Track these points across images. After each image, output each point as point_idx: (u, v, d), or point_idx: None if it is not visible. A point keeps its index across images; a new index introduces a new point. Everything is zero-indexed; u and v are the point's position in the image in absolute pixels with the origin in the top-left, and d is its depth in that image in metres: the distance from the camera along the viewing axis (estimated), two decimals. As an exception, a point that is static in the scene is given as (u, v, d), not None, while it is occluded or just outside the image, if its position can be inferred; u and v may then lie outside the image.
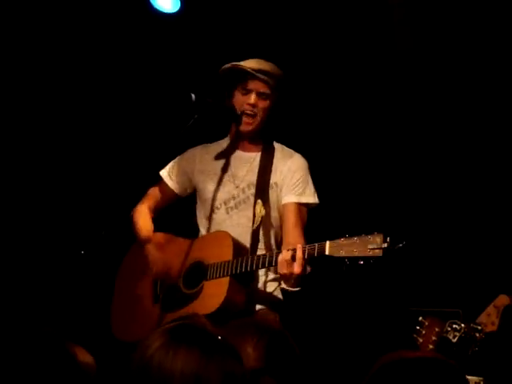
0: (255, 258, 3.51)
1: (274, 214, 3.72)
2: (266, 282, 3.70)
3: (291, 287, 3.53)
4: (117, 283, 3.93)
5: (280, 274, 3.45)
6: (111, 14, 4.76)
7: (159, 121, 4.54)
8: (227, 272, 3.53)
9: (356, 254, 3.21)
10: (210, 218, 3.77)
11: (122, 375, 1.77)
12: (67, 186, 4.79)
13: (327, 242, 3.30)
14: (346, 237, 3.26)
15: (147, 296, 3.78)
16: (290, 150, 3.83)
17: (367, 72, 4.75)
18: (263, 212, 3.65)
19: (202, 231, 3.81)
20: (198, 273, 3.64)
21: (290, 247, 3.44)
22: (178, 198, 3.94)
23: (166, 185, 3.91)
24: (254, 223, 3.65)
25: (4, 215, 4.65)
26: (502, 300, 3.27)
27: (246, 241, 3.65)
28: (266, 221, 3.69)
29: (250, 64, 3.69)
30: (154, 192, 3.94)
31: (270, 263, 3.46)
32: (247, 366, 2.06)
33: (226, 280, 3.52)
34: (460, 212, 4.63)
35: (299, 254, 3.36)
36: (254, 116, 3.71)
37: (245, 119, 3.72)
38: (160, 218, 3.96)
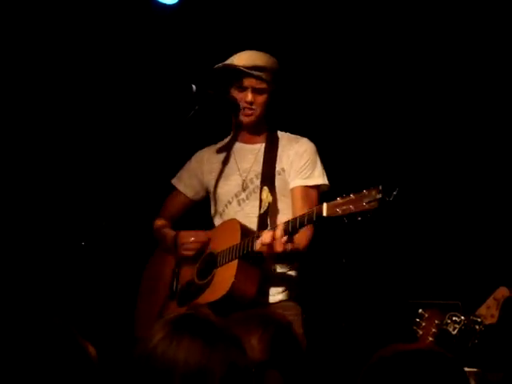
0: (255, 236, 3.51)
1: (284, 199, 3.71)
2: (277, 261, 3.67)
3: (281, 269, 3.57)
4: (141, 285, 3.94)
5: (264, 254, 3.47)
6: (111, 6, 4.75)
7: (160, 112, 4.53)
8: (235, 255, 3.53)
9: (353, 210, 3.18)
10: (223, 213, 3.79)
11: (125, 366, 1.77)
12: (68, 177, 4.78)
13: (324, 204, 3.28)
14: (342, 196, 3.24)
15: (165, 294, 3.78)
16: (296, 135, 3.82)
17: (367, 60, 4.75)
18: (270, 198, 3.64)
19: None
20: (211, 263, 3.65)
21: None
22: (193, 203, 3.95)
23: (179, 191, 3.93)
24: (260, 208, 3.64)
25: (5, 207, 4.64)
26: (502, 292, 3.27)
27: (255, 228, 3.64)
28: (273, 207, 3.67)
29: (242, 60, 3.67)
30: (169, 201, 3.97)
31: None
32: (252, 359, 2.06)
33: (234, 263, 3.53)
34: (460, 204, 4.63)
35: (278, 233, 3.37)
36: (253, 111, 3.71)
37: (244, 113, 3.72)
38: (179, 221, 3.98)
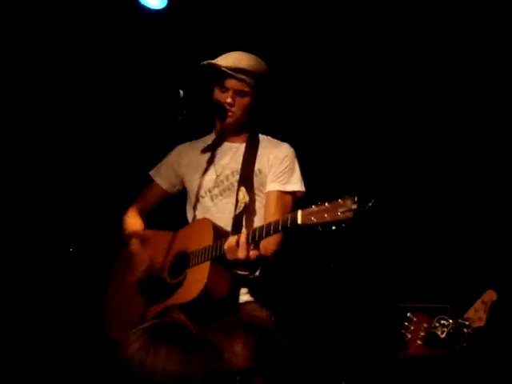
0: (223, 239, 3.49)
1: (260, 200, 3.71)
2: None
3: (242, 272, 3.55)
4: (109, 286, 3.92)
5: (228, 260, 3.46)
6: (98, 11, 4.75)
7: (147, 117, 4.53)
8: (207, 257, 3.52)
9: (328, 219, 3.15)
10: (195, 208, 3.78)
11: (104, 375, 1.77)
12: (55, 183, 4.77)
13: (299, 211, 3.25)
14: (317, 204, 3.21)
15: (135, 293, 3.76)
16: (277, 140, 3.80)
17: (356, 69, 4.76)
18: (247, 198, 3.63)
19: (190, 222, 3.82)
20: (182, 262, 3.63)
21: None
22: (168, 195, 3.94)
23: (155, 183, 3.92)
24: (236, 209, 3.63)
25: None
26: (490, 295, 3.29)
27: (230, 227, 3.63)
28: (249, 207, 3.66)
29: (226, 61, 3.65)
30: (145, 192, 3.95)
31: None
32: (237, 366, 2.05)
33: (206, 264, 3.52)
34: (448, 208, 4.65)
35: (242, 238, 3.38)
36: (232, 113, 3.69)
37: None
38: (153, 217, 3.97)
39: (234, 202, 3.65)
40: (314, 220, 3.19)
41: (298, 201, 3.69)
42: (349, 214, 3.12)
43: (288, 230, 3.35)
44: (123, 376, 1.72)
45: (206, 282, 3.47)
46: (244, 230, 3.47)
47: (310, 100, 4.84)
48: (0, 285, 4.48)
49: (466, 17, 4.54)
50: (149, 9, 4.63)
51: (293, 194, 3.70)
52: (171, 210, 4.03)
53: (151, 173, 3.93)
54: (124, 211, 3.89)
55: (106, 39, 4.78)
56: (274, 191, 3.67)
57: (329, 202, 3.18)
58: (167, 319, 1.82)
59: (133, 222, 3.89)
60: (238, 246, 3.40)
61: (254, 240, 3.41)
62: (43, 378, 1.76)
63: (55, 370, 1.77)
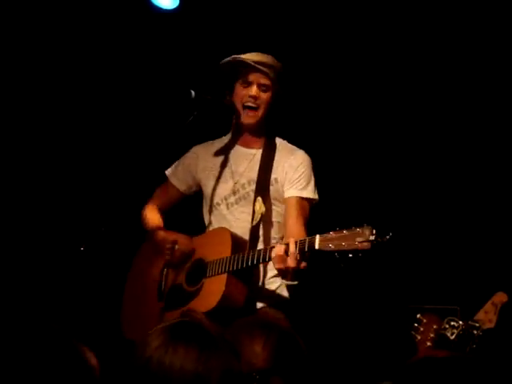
0: (251, 253, 3.48)
1: (277, 209, 3.71)
2: (265, 279, 3.68)
3: (289, 281, 3.50)
4: (127, 283, 3.93)
5: (276, 269, 3.40)
6: (110, 11, 4.76)
7: (159, 118, 4.54)
8: (225, 268, 3.52)
9: (345, 248, 3.16)
10: (212, 214, 3.78)
11: (122, 374, 1.78)
12: (67, 182, 4.79)
13: (317, 236, 3.25)
14: (335, 230, 3.22)
15: (152, 294, 3.77)
16: (293, 146, 3.79)
17: (367, 72, 4.76)
18: (263, 209, 3.62)
19: (206, 227, 3.83)
20: (199, 270, 3.64)
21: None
22: (185, 196, 3.94)
23: (171, 184, 3.92)
24: (253, 220, 3.63)
25: (4, 212, 4.64)
26: (500, 297, 3.28)
27: (247, 237, 3.63)
28: (266, 217, 3.66)
29: (249, 57, 3.69)
30: (161, 192, 3.95)
31: (265, 258, 3.42)
32: (256, 366, 2.06)
33: (223, 277, 3.52)
34: (458, 209, 4.64)
35: (292, 247, 3.31)
36: (256, 109, 3.69)
37: (247, 112, 3.70)
38: (170, 215, 3.97)
39: (251, 213, 3.65)
40: (332, 247, 3.19)
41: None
42: (366, 245, 3.13)
43: (305, 253, 3.32)
44: (141, 375, 1.73)
45: (223, 295, 3.48)
46: (292, 239, 3.37)
47: (328, 99, 4.84)
48: (11, 283, 4.50)
49: (466, 17, 4.53)
50: (160, 9, 4.64)
51: (309, 200, 3.69)
52: (187, 209, 4.04)
53: (168, 173, 3.93)
54: (137, 212, 3.89)
55: (118, 39, 4.80)
56: (292, 197, 3.66)
57: (347, 230, 3.19)
58: (187, 319, 1.84)
59: (154, 217, 3.90)
60: (287, 255, 3.33)
61: (302, 251, 3.34)
62: (46, 378, 1.76)
63: (60, 371, 1.78)
